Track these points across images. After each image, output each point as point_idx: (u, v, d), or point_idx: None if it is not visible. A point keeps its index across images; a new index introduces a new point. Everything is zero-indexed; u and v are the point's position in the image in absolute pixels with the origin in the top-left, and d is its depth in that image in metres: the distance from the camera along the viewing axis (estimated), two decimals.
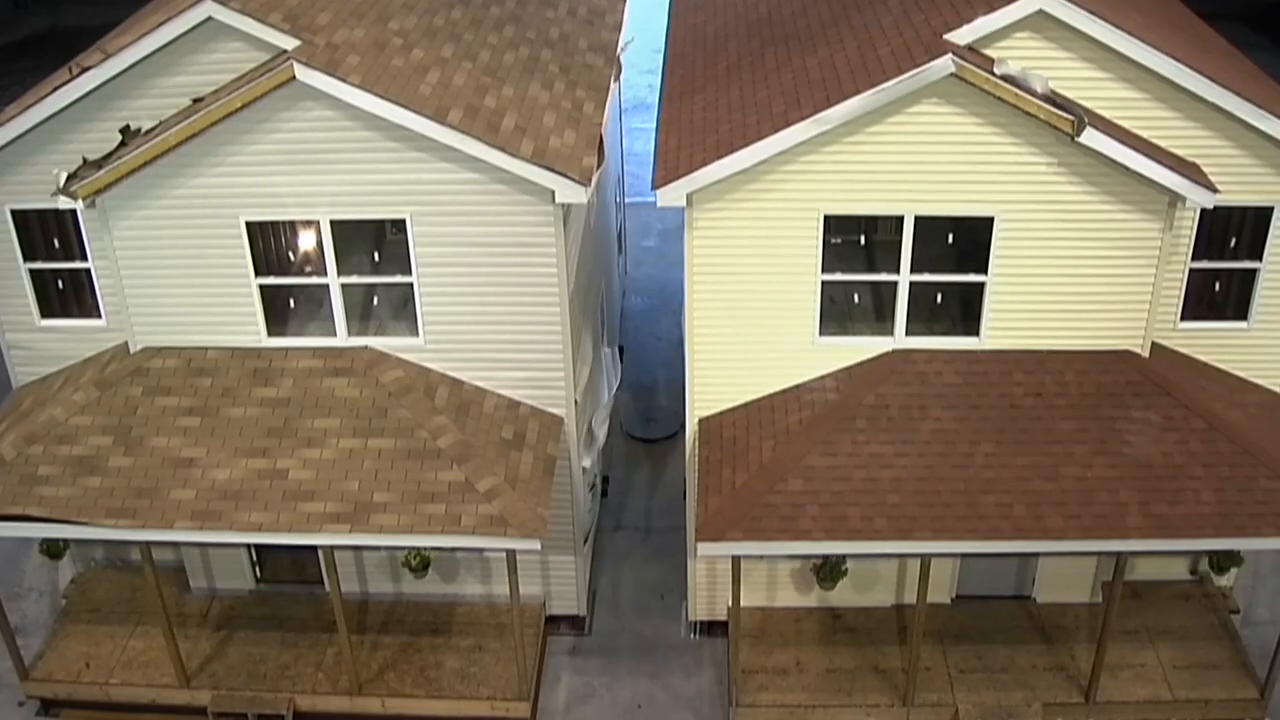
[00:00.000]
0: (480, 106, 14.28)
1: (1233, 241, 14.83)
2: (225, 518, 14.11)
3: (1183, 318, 15.22)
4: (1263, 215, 14.65)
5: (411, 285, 14.71)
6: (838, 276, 14.42)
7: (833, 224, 14.13)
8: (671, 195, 13.64)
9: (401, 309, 15.12)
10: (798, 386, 14.89)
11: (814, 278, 14.33)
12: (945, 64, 12.97)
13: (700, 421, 15.08)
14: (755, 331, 14.61)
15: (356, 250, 14.87)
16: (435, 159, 13.93)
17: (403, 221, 14.33)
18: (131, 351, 15.44)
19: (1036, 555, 15.81)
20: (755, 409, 14.89)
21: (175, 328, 15.21)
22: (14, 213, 15.31)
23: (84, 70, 14.29)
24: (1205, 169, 13.78)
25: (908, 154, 13.63)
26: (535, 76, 15.70)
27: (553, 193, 13.84)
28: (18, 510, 14.26)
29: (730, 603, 15.34)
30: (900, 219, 14.10)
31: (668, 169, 13.81)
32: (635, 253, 26.28)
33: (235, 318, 15.08)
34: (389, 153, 13.97)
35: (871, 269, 14.52)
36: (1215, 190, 13.49)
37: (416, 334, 15.04)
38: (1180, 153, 13.94)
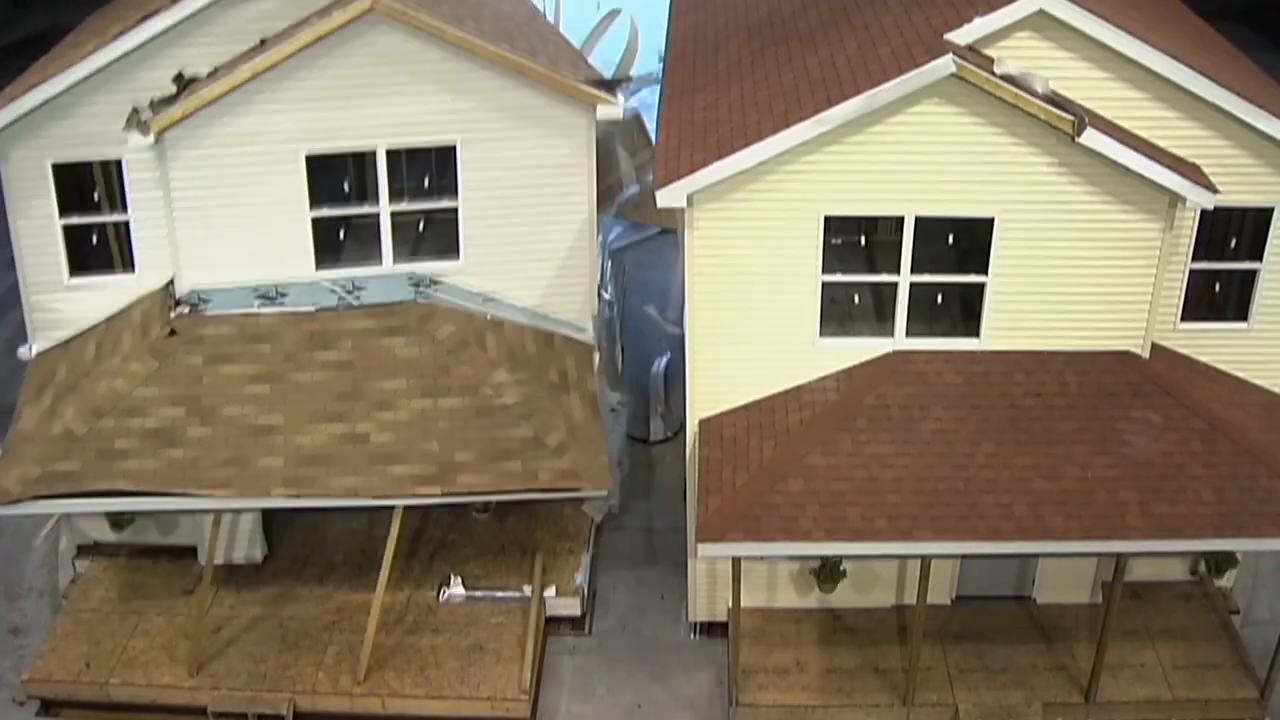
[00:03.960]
0: (513, 43, 15.38)
1: (1233, 242, 14.83)
2: (319, 483, 14.53)
3: (1183, 318, 15.20)
4: (1263, 216, 14.65)
5: (455, 210, 15.58)
6: (838, 277, 14.42)
7: (833, 224, 14.12)
8: (672, 196, 13.64)
9: (443, 234, 15.88)
10: (798, 387, 14.88)
11: (814, 278, 14.32)
12: (946, 64, 12.97)
13: (700, 422, 15.06)
14: (755, 332, 14.60)
15: (404, 179, 15.61)
16: (486, 83, 15.00)
17: (451, 148, 15.27)
18: (179, 294, 15.60)
19: (1037, 556, 15.80)
20: (755, 409, 14.88)
21: (225, 264, 15.52)
22: (54, 167, 15.40)
23: (147, 16, 14.55)
24: (1205, 169, 13.78)
25: (908, 154, 13.63)
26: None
27: (593, 109, 15.08)
28: (105, 485, 14.38)
29: (730, 603, 15.33)
30: (901, 220, 14.09)
31: (668, 169, 13.81)
32: (635, 253, 26.19)
33: (286, 252, 15.48)
34: (445, 79, 14.88)
35: (872, 270, 14.52)
36: (1215, 191, 13.49)
37: (457, 256, 15.80)
38: (1181, 153, 13.93)
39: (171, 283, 15.78)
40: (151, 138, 14.55)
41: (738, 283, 14.32)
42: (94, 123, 15.03)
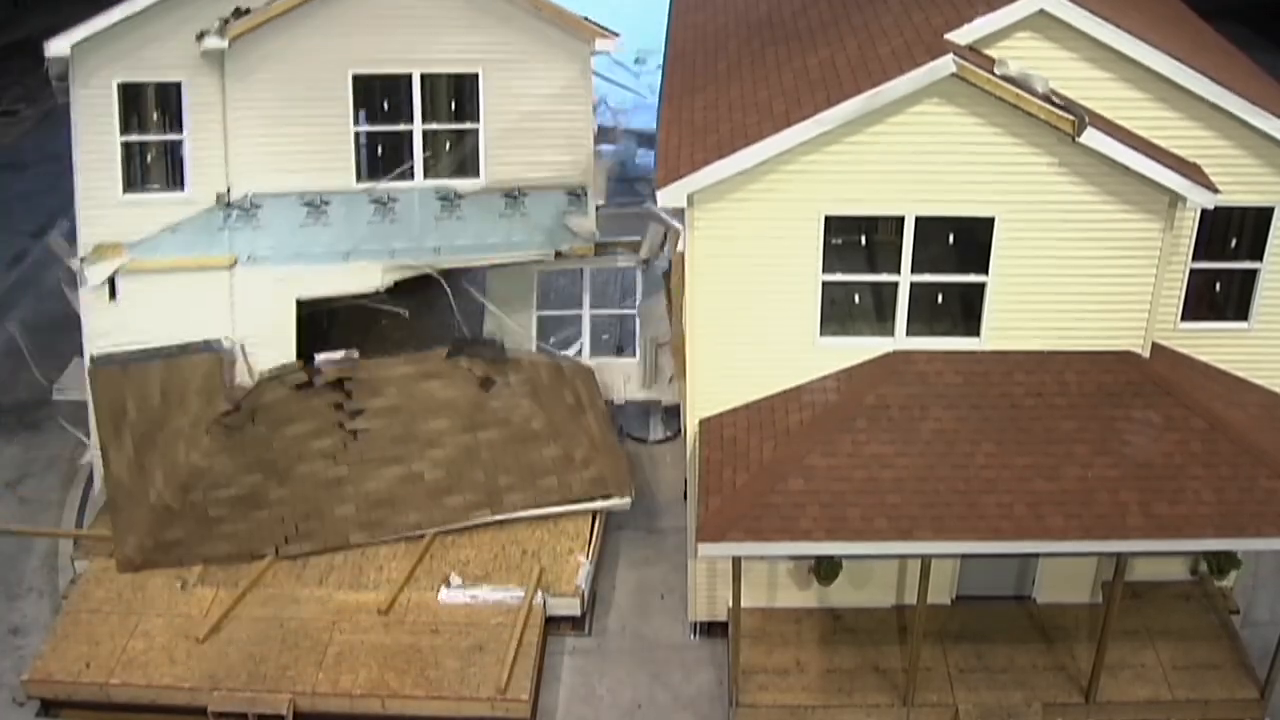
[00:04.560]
0: None
1: (1233, 242, 14.83)
2: (388, 524, 16.93)
3: (1183, 318, 15.20)
4: (1263, 215, 14.65)
5: (478, 131, 18.01)
6: (839, 277, 14.42)
7: (833, 224, 14.12)
8: (672, 195, 13.64)
9: (468, 156, 18.25)
10: (798, 387, 14.88)
11: (815, 278, 14.32)
12: (946, 64, 12.97)
13: (700, 422, 15.06)
14: (756, 332, 14.60)
15: (434, 103, 18.01)
16: (507, 15, 17.41)
17: (476, 75, 17.71)
18: (231, 200, 17.48)
19: (1037, 555, 15.80)
20: (756, 409, 14.88)
21: (275, 172, 17.49)
22: (119, 87, 17.00)
23: None
24: (1206, 169, 13.78)
25: (909, 154, 13.63)
26: None
27: (592, 40, 17.66)
28: (209, 549, 16.59)
29: (730, 603, 15.33)
30: (901, 219, 14.09)
31: (668, 169, 13.81)
32: None
33: (330, 164, 17.65)
34: (473, 10, 17.28)
35: (872, 269, 14.52)
36: (1216, 190, 13.49)
37: (478, 174, 18.18)
38: (1181, 153, 13.93)
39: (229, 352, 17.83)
40: (226, 41, 16.51)
41: (738, 282, 14.31)
42: (159, 47, 16.76)
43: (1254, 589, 17.40)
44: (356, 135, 17.61)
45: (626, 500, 17.26)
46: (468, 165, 18.21)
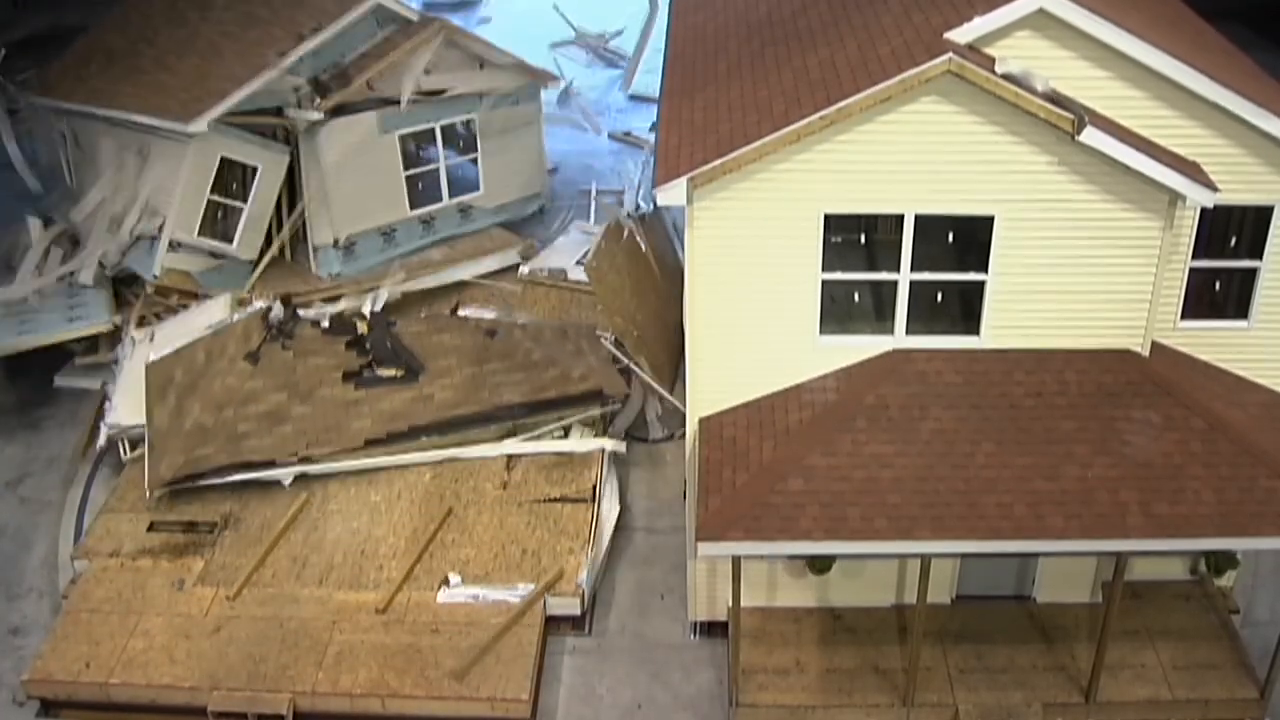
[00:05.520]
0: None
1: (1233, 240, 14.81)
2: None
3: (1183, 317, 15.18)
4: (1263, 214, 14.62)
5: (477, 158, 25.37)
6: (838, 275, 14.41)
7: (833, 223, 14.12)
8: (672, 194, 13.63)
9: (469, 176, 25.40)
10: (798, 386, 14.88)
11: (815, 276, 14.31)
12: (944, 63, 12.95)
13: (700, 421, 15.06)
14: (756, 330, 14.59)
15: (450, 144, 25.22)
16: (487, 76, 24.74)
17: (471, 121, 25.07)
18: (337, 238, 23.31)
19: (1037, 555, 15.80)
20: (755, 409, 14.87)
21: (358, 215, 23.66)
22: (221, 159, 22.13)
23: (303, 36, 22.20)
24: (1205, 168, 13.77)
25: (908, 153, 13.62)
26: None
27: (542, 85, 26.23)
28: (236, 460, 18.09)
29: (730, 603, 15.33)
30: (900, 218, 14.08)
31: (668, 168, 13.80)
32: None
33: (392, 201, 24.09)
34: (467, 78, 24.52)
35: (872, 268, 14.51)
36: (1215, 189, 13.48)
37: (479, 189, 25.50)
38: (1180, 151, 13.92)
39: (269, 308, 20.61)
40: (320, 114, 22.32)
41: (738, 281, 14.30)
42: (247, 139, 22.17)
43: (1254, 589, 17.40)
44: (406, 177, 24.15)
45: (623, 393, 19.73)
46: (472, 184, 25.53)
